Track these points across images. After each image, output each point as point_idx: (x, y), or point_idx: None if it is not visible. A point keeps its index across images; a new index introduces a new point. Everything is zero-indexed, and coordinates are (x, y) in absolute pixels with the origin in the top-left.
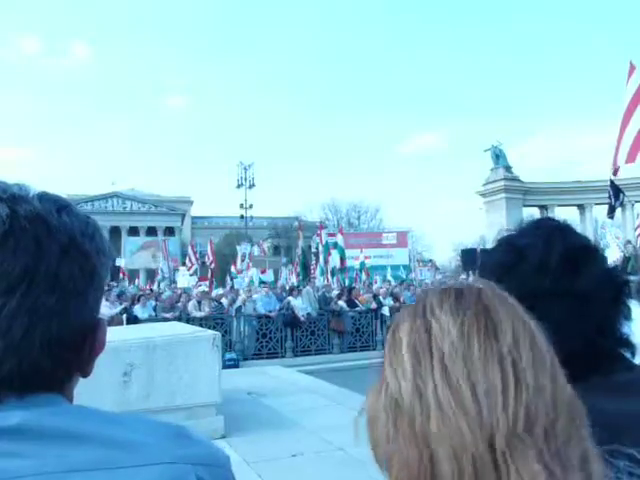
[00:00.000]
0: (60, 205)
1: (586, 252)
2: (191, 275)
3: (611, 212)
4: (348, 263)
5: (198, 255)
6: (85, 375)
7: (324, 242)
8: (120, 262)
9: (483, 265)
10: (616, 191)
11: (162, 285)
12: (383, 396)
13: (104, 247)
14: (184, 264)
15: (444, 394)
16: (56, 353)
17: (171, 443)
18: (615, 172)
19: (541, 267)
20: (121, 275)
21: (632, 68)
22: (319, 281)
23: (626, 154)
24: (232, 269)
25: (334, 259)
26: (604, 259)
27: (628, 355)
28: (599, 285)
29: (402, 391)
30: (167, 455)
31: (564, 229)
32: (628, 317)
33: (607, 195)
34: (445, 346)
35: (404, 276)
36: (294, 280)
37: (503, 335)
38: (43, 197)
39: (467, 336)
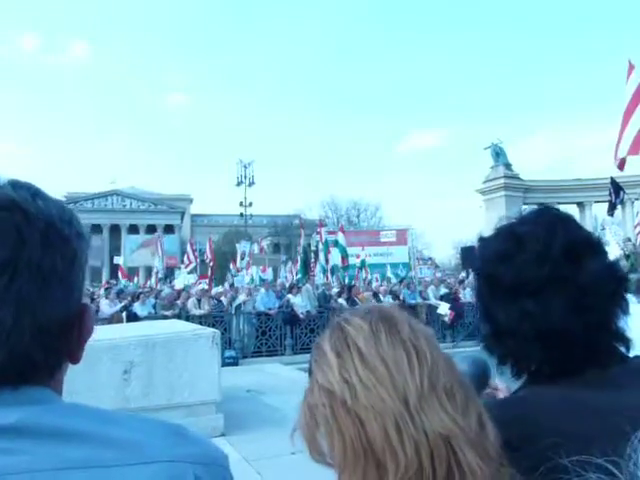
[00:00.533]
0: (33, 191)
1: (587, 244)
2: (189, 273)
3: (611, 210)
4: (350, 261)
5: (197, 253)
6: (75, 362)
7: (324, 240)
8: (119, 260)
9: (481, 255)
10: (617, 189)
11: (159, 283)
12: (316, 391)
13: (82, 231)
14: (183, 262)
15: (365, 374)
16: (45, 341)
17: (169, 442)
18: (621, 165)
19: (541, 257)
20: (121, 275)
21: (631, 67)
22: (319, 279)
23: (628, 147)
24: (231, 267)
25: (334, 257)
26: (605, 253)
27: (623, 349)
28: (599, 278)
29: (332, 381)
30: (165, 454)
31: (566, 220)
32: (626, 312)
33: (607, 193)
34: (360, 340)
35: (402, 274)
36: (292, 278)
37: (402, 328)
38: (16, 185)
39: (376, 331)
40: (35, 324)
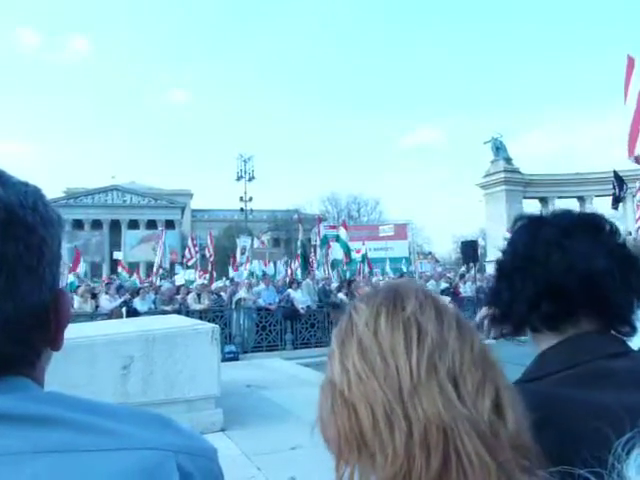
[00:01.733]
0: None
1: (600, 223)
2: (188, 268)
3: (616, 203)
4: (351, 256)
5: (198, 248)
6: (56, 349)
7: (322, 235)
8: (118, 255)
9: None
10: (620, 182)
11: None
12: (325, 383)
13: (50, 216)
14: (184, 257)
15: (359, 364)
16: (17, 333)
17: (153, 431)
18: (638, 159)
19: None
20: (122, 270)
21: (630, 61)
22: (319, 273)
23: None
24: (231, 262)
25: (335, 252)
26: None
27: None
28: (609, 257)
29: (334, 372)
30: (147, 441)
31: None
32: (635, 290)
33: (608, 187)
34: (360, 326)
35: (405, 268)
36: (290, 273)
37: (408, 303)
38: None
39: (377, 314)
40: (3, 317)
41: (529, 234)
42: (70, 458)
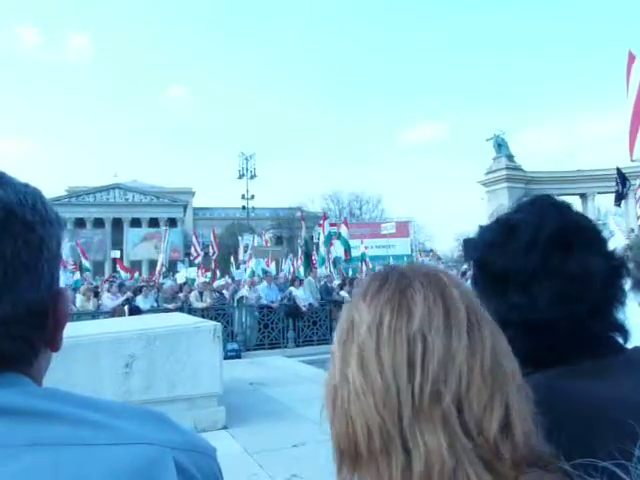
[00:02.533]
0: None
1: (580, 232)
2: (191, 266)
3: (618, 200)
4: (352, 253)
5: (201, 246)
6: (54, 349)
7: (326, 232)
8: (116, 254)
9: (477, 242)
10: (623, 179)
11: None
12: (327, 382)
13: (49, 215)
14: (187, 254)
15: (357, 377)
16: (15, 331)
17: (150, 427)
18: None
19: (529, 245)
20: (120, 269)
21: (632, 58)
22: (321, 271)
23: None
24: (232, 261)
25: (337, 250)
26: (602, 241)
27: (620, 340)
28: (590, 267)
29: (335, 377)
30: (144, 437)
31: (560, 207)
32: (622, 301)
33: (610, 184)
34: (362, 331)
35: None
36: (293, 270)
37: (416, 309)
38: None
39: (379, 319)
40: (1, 314)
41: (503, 252)
42: (67, 451)
